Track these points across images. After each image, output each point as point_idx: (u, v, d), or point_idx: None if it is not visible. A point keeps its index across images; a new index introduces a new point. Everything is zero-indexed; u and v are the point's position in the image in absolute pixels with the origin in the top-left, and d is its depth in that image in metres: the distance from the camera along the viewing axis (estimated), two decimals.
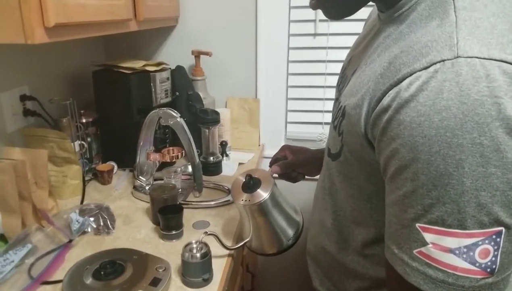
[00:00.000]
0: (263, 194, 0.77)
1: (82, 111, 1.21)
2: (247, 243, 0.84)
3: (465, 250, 0.41)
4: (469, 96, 0.39)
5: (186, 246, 0.78)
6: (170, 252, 0.87)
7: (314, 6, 0.59)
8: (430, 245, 0.43)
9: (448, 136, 0.40)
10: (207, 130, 1.25)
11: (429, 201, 0.42)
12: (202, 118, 1.24)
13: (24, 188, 0.88)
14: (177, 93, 1.34)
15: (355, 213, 0.63)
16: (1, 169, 0.84)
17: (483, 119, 0.39)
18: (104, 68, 1.25)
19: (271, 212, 0.78)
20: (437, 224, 0.42)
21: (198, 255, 0.76)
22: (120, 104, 1.22)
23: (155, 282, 0.74)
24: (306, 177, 0.93)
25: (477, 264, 0.41)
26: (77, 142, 1.18)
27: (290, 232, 0.81)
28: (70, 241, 0.90)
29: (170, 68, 1.32)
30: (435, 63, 0.42)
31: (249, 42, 1.44)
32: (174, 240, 0.92)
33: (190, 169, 1.16)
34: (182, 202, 1.06)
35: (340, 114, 0.59)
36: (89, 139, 1.23)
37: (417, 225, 0.44)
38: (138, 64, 1.22)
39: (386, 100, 0.46)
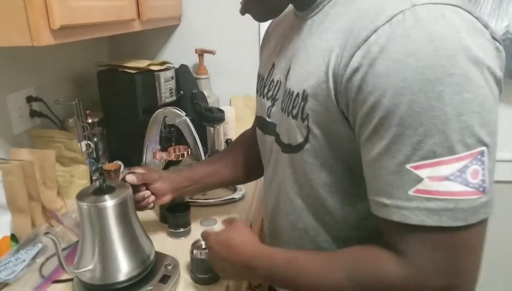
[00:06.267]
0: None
1: (88, 111, 1.22)
2: None
3: (458, 173, 0.44)
4: (435, 34, 0.43)
5: (194, 243, 0.79)
6: (178, 250, 0.87)
7: (242, 11, 0.63)
8: (427, 179, 0.44)
9: (427, 73, 0.43)
10: (212, 129, 1.26)
11: (417, 139, 0.44)
12: (207, 117, 1.24)
13: (32, 188, 0.89)
14: (182, 92, 1.35)
15: (336, 200, 0.59)
16: (10, 170, 0.85)
17: (450, 52, 0.43)
18: (108, 69, 1.26)
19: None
20: (428, 158, 0.44)
21: (206, 251, 0.77)
22: (126, 104, 1.23)
23: (165, 279, 0.75)
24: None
25: (471, 185, 0.44)
26: (83, 142, 1.18)
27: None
28: None
29: (174, 67, 1.33)
30: (395, 15, 0.45)
31: (253, 39, 1.44)
32: (182, 238, 0.93)
33: None
34: (189, 200, 1.07)
35: (299, 101, 0.57)
36: (95, 139, 1.24)
37: (408, 166, 0.45)
38: (142, 63, 1.23)
39: (355, 61, 0.47)
